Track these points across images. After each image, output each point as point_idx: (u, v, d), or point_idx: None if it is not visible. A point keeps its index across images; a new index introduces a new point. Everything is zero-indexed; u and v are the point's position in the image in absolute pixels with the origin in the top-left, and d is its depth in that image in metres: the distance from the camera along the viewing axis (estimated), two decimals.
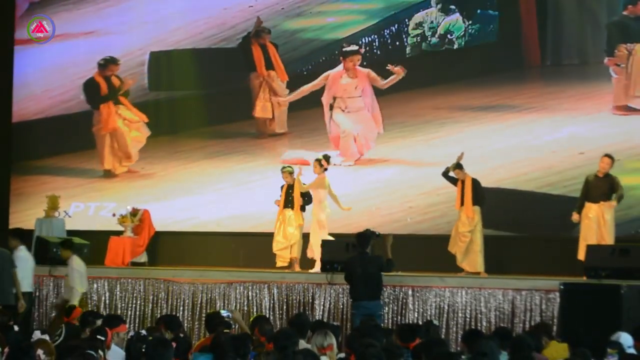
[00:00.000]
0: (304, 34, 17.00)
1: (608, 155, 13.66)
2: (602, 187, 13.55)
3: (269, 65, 17.00)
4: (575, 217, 13.68)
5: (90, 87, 18.02)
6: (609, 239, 13.35)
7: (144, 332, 8.95)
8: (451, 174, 14.25)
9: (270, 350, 7.65)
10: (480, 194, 14.16)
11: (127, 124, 17.81)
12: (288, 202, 14.72)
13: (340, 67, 16.46)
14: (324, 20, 16.97)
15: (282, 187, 14.86)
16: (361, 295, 12.27)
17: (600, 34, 15.37)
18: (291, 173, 14.75)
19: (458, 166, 14.16)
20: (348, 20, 16.82)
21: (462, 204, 14.12)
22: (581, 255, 13.26)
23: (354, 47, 16.43)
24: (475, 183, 14.16)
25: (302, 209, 14.76)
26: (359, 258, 12.46)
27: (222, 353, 7.39)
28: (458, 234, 14.13)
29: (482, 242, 14.01)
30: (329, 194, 14.61)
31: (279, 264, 14.63)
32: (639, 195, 14.49)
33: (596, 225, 13.44)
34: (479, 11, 16.02)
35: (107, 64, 17.91)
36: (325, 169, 14.62)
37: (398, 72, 16.06)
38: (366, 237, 12.66)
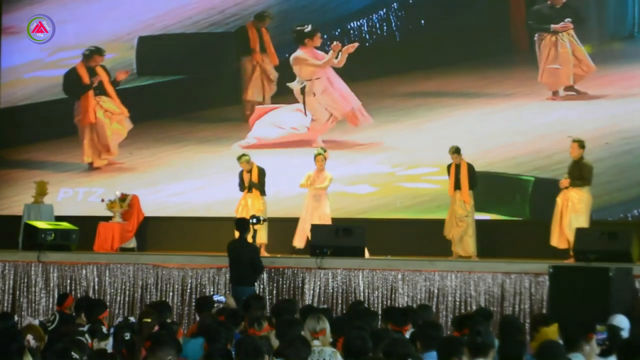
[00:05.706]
0: (293, 19, 16.92)
1: (575, 140, 13.62)
2: (572, 172, 13.53)
3: (262, 49, 16.96)
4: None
5: (71, 77, 17.88)
6: (566, 225, 13.27)
7: (132, 319, 8.90)
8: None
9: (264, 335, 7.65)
10: (475, 179, 14.17)
11: (109, 116, 17.66)
12: (249, 187, 14.74)
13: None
14: (313, 5, 16.91)
15: (241, 172, 14.84)
16: (234, 280, 12.55)
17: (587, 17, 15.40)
18: (248, 162, 14.73)
19: (457, 150, 14.13)
20: (338, 4, 16.77)
21: (455, 188, 14.12)
22: (554, 240, 13.41)
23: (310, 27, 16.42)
24: (470, 168, 14.16)
25: (263, 192, 14.78)
26: (235, 243, 12.66)
27: (209, 336, 7.38)
28: (454, 219, 14.12)
29: (474, 226, 14.04)
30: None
31: None
32: (627, 178, 14.51)
33: (561, 209, 13.44)
34: None
35: (92, 54, 17.77)
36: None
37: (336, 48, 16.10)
38: (243, 222, 12.78)
